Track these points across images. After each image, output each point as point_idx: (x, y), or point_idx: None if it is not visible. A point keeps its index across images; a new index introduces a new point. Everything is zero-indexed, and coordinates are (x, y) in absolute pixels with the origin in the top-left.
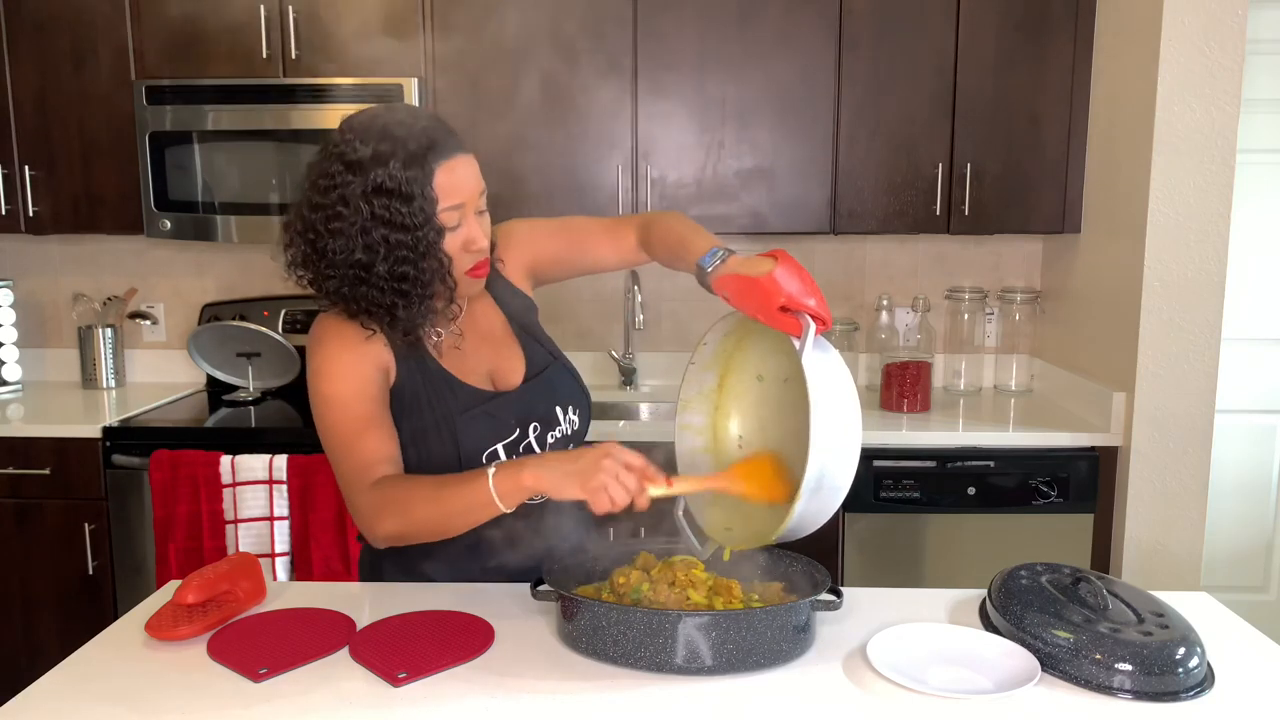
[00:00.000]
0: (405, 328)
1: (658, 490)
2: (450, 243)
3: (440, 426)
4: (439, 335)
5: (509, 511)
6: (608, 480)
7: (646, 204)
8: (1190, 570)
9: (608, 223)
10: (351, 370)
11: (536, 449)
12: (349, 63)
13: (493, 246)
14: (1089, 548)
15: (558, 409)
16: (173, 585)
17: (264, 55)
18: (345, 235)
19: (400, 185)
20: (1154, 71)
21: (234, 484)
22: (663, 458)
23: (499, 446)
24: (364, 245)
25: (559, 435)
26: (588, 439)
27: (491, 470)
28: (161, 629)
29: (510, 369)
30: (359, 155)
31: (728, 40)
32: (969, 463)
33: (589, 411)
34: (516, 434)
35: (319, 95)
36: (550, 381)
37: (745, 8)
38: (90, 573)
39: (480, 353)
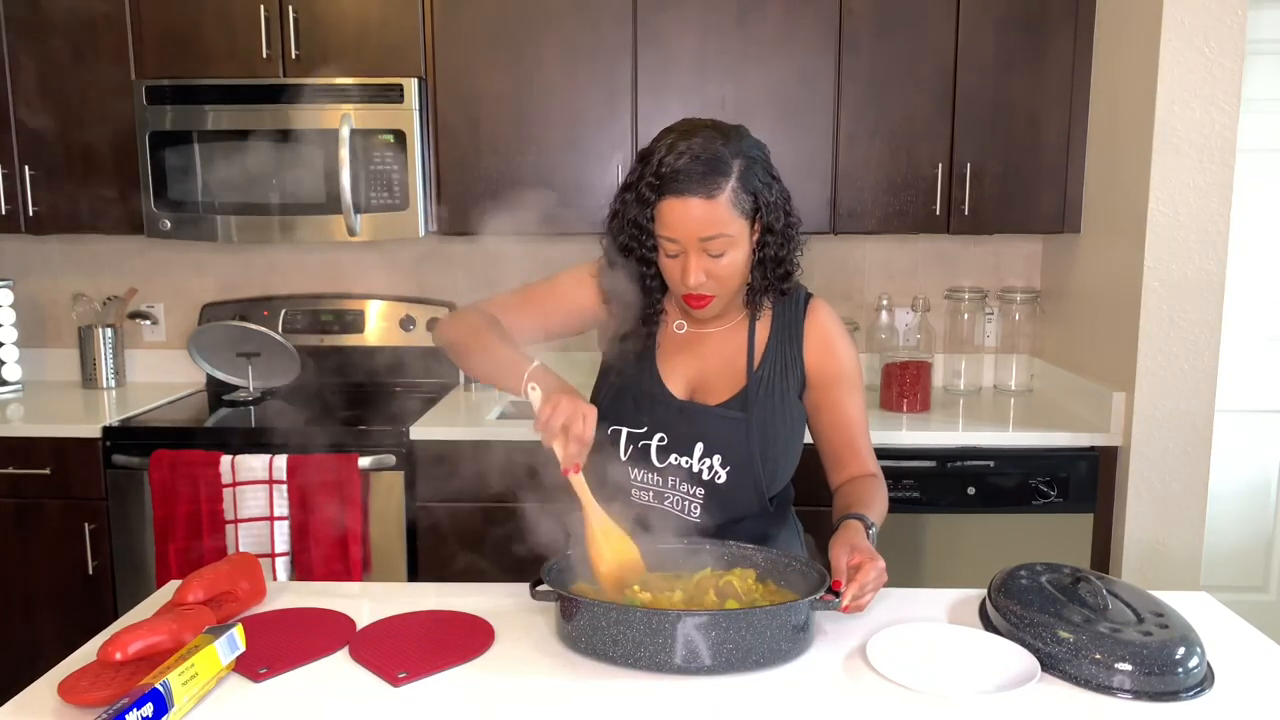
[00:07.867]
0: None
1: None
2: (666, 265)
3: (613, 381)
4: (680, 327)
5: (511, 391)
6: (557, 418)
7: None
8: (1190, 570)
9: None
10: (572, 283)
11: (655, 458)
12: (349, 63)
13: (779, 292)
14: (1089, 548)
15: (699, 444)
16: (173, 585)
17: (264, 55)
18: (613, 206)
19: (636, 190)
20: (1154, 71)
21: (234, 484)
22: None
23: (624, 429)
24: (610, 219)
25: (682, 465)
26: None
27: (536, 363)
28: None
29: (710, 392)
30: (647, 149)
31: (728, 40)
32: (969, 463)
33: (747, 479)
34: (644, 429)
35: (319, 95)
36: (715, 423)
37: (745, 8)
38: (90, 573)
39: (703, 364)
